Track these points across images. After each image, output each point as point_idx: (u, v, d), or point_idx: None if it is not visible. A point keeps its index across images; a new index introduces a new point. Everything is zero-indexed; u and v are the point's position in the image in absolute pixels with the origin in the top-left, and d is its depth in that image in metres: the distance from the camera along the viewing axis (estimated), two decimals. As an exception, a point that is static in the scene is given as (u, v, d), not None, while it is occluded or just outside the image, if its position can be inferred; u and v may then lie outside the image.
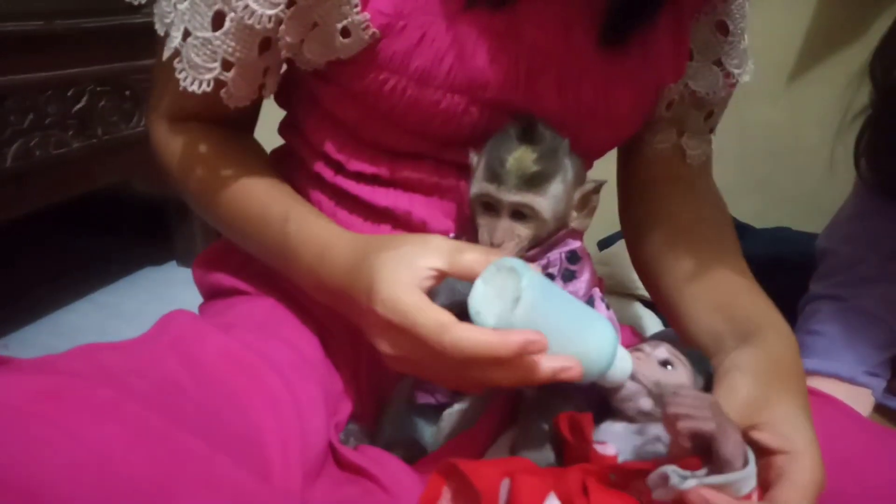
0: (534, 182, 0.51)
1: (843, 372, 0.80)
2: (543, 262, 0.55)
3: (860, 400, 0.79)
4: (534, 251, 0.54)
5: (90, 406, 0.35)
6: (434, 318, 0.44)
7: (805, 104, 1.44)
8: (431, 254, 0.47)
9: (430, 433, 0.57)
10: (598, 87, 0.58)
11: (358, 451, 0.53)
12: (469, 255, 0.47)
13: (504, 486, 0.43)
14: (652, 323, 1.06)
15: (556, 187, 0.52)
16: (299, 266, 0.55)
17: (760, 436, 0.45)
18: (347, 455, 0.51)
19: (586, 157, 0.65)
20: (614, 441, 0.49)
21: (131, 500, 0.32)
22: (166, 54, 0.54)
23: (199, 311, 0.67)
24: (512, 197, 0.52)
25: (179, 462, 0.35)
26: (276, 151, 0.69)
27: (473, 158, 0.56)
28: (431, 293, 0.48)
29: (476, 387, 0.44)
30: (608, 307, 0.56)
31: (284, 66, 0.61)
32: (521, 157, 0.52)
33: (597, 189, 0.55)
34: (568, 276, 0.55)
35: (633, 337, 0.70)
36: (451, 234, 0.60)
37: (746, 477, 0.40)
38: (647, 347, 0.52)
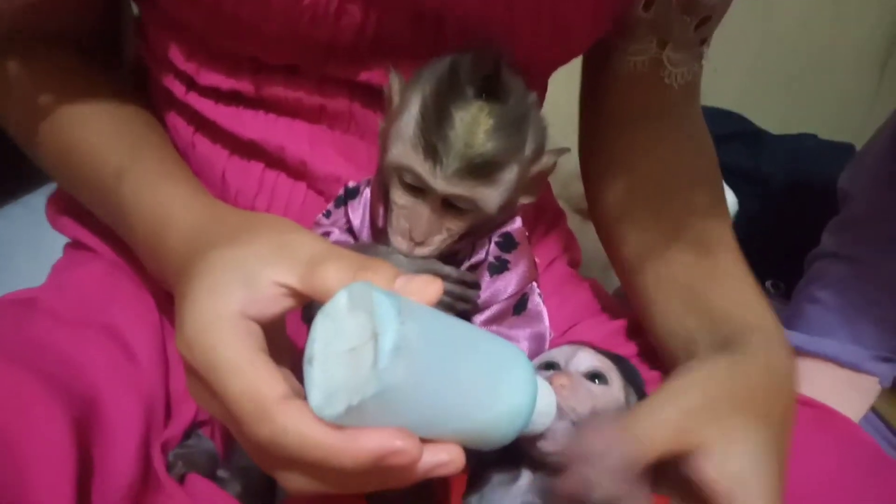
0: (484, 170, 0.38)
1: (843, 356, 0.67)
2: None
3: (861, 389, 0.67)
4: (461, 244, 0.42)
5: None
6: (254, 392, 0.30)
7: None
8: (286, 261, 0.33)
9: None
10: None
11: (186, 483, 0.42)
12: (331, 271, 0.32)
13: None
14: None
15: (512, 171, 0.39)
16: (135, 240, 0.44)
17: (697, 467, 0.34)
18: (172, 493, 0.40)
19: (527, 76, 0.50)
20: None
21: None
22: None
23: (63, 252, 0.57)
24: (451, 189, 0.38)
25: None
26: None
27: (394, 83, 0.41)
28: None
29: (305, 490, 0.32)
30: (541, 301, 0.45)
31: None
32: (472, 128, 0.37)
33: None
34: (497, 269, 0.42)
35: (593, 300, 0.57)
36: (352, 183, 0.45)
37: None
38: (560, 357, 0.41)
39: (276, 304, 0.32)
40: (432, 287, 0.32)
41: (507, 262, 0.42)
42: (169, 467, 0.41)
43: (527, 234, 0.45)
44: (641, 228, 0.51)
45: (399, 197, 0.40)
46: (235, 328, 0.31)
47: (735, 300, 0.45)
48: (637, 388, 0.42)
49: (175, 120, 0.50)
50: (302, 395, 0.30)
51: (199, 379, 0.32)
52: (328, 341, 0.29)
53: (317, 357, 0.29)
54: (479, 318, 0.42)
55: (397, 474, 0.30)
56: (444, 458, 0.30)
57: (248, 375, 0.30)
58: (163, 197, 0.41)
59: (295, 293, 0.32)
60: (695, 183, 0.53)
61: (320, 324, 0.30)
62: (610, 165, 0.55)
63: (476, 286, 0.42)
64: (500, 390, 0.32)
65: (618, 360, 0.42)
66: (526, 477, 0.39)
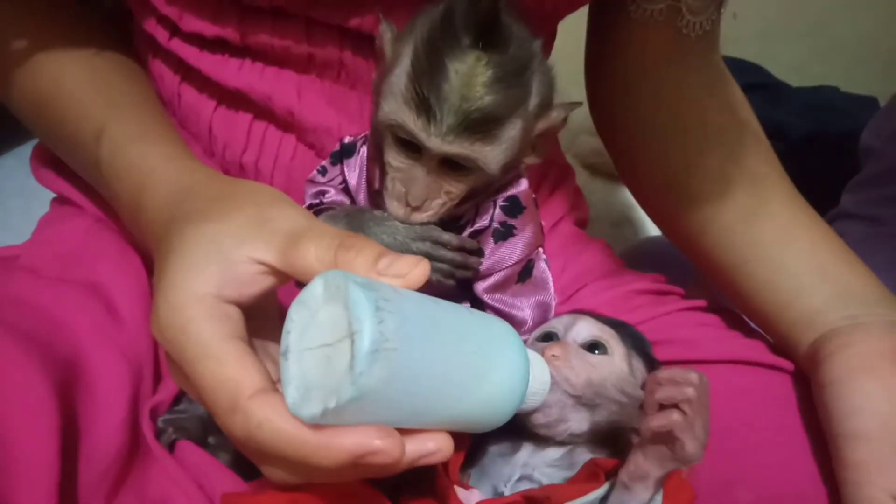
0: (483, 126, 0.35)
1: None
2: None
3: None
4: (464, 207, 0.40)
5: None
6: (226, 384, 0.28)
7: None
8: (264, 237, 0.31)
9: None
10: None
11: (176, 450, 0.40)
12: (311, 250, 0.29)
13: None
14: (643, 217, 0.88)
15: (514, 127, 0.36)
16: (117, 204, 0.42)
17: None
18: (161, 461, 0.39)
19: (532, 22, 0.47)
20: (543, 477, 0.37)
21: None
22: None
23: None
24: (447, 147, 0.36)
25: None
26: None
27: (386, 34, 0.38)
28: None
29: (286, 481, 0.30)
30: (547, 268, 0.44)
31: None
32: (468, 80, 0.34)
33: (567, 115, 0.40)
34: (502, 235, 0.40)
35: (601, 262, 0.54)
36: (348, 139, 0.42)
37: None
38: (559, 326, 0.39)
39: (254, 283, 0.30)
40: (418, 269, 0.29)
41: (512, 227, 0.40)
42: (158, 434, 0.40)
43: (534, 196, 0.42)
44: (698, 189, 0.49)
45: (394, 158, 0.37)
46: (209, 313, 0.29)
47: (851, 270, 0.45)
48: (642, 354, 0.40)
49: (160, 68, 0.47)
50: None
51: (171, 360, 0.30)
52: (303, 333, 0.27)
53: (292, 350, 0.27)
54: (482, 285, 0.40)
55: (379, 469, 0.28)
56: (431, 448, 0.28)
57: (221, 365, 0.28)
58: (139, 160, 0.39)
59: (275, 271, 0.30)
60: (758, 139, 0.51)
61: (295, 313, 0.27)
62: (630, 122, 0.52)
63: (477, 252, 0.39)
64: (490, 376, 0.30)
65: (620, 327, 0.40)
66: (527, 448, 0.38)
